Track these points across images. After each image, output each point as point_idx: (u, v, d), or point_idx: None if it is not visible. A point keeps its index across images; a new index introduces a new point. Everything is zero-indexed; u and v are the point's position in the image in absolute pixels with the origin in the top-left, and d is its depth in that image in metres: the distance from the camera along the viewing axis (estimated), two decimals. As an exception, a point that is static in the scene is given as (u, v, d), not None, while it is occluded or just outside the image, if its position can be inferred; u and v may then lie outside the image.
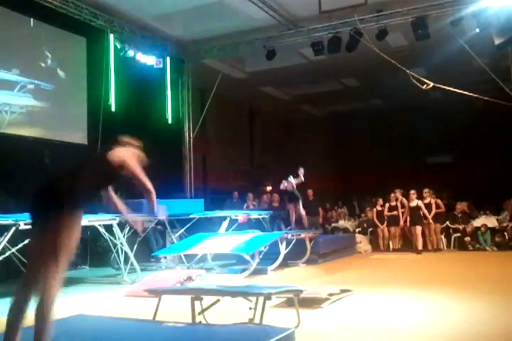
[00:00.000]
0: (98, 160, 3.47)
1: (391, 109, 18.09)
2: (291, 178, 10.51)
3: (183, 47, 12.86)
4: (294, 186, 10.44)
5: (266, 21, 11.12)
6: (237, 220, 9.74)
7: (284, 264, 8.40)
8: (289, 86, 16.46)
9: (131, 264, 7.57)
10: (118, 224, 7.39)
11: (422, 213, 11.50)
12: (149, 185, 3.40)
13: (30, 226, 3.23)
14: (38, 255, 3.01)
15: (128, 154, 3.41)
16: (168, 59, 12.71)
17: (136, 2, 10.47)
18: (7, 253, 6.04)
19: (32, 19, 9.72)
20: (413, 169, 17.20)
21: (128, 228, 7.87)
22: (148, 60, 12.06)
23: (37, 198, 3.11)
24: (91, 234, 9.10)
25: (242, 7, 10.57)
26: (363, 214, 13.65)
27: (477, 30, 9.96)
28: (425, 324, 4.55)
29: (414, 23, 10.31)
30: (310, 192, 12.05)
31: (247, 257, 7.52)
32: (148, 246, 9.57)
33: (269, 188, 16.57)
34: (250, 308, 4.08)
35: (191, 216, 9.31)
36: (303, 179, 10.51)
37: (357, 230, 12.98)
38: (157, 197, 3.43)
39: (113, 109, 11.01)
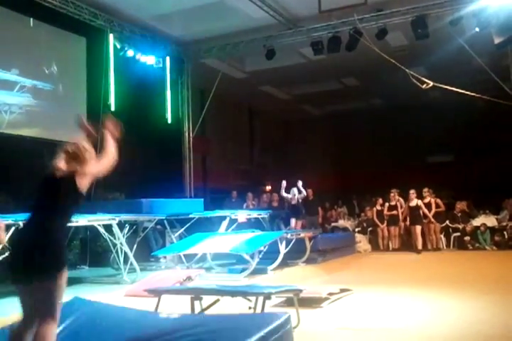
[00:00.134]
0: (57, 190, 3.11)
1: (391, 108, 18.10)
2: (295, 191, 10.60)
3: (182, 47, 12.86)
4: (300, 200, 10.62)
5: (265, 21, 11.11)
6: (236, 220, 9.75)
7: (284, 264, 8.40)
8: (288, 85, 16.46)
9: (131, 264, 7.57)
10: (118, 224, 7.39)
11: (421, 212, 11.51)
12: (111, 154, 3.25)
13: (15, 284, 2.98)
14: (33, 311, 2.93)
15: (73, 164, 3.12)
16: (167, 59, 12.72)
17: (136, 2, 10.47)
18: (7, 253, 6.03)
19: (32, 19, 9.73)
20: (413, 168, 17.16)
21: (128, 228, 7.87)
22: (148, 59, 12.07)
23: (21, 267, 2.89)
24: (90, 234, 9.13)
25: (241, 7, 10.57)
26: (362, 214, 13.61)
27: (477, 29, 9.97)
28: (425, 323, 4.55)
29: (413, 23, 10.33)
30: (310, 191, 12.04)
31: (247, 257, 7.53)
32: (147, 246, 9.56)
33: (268, 188, 16.57)
34: (250, 308, 4.09)
35: (191, 215, 9.29)
36: (305, 193, 10.87)
37: (356, 229, 12.95)
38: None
39: (112, 108, 11.00)
